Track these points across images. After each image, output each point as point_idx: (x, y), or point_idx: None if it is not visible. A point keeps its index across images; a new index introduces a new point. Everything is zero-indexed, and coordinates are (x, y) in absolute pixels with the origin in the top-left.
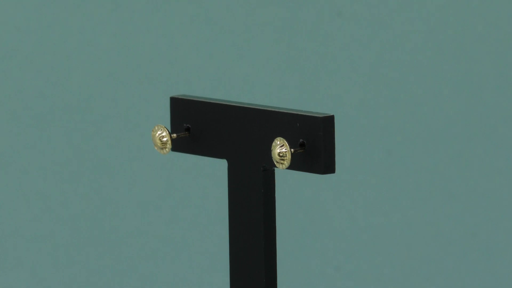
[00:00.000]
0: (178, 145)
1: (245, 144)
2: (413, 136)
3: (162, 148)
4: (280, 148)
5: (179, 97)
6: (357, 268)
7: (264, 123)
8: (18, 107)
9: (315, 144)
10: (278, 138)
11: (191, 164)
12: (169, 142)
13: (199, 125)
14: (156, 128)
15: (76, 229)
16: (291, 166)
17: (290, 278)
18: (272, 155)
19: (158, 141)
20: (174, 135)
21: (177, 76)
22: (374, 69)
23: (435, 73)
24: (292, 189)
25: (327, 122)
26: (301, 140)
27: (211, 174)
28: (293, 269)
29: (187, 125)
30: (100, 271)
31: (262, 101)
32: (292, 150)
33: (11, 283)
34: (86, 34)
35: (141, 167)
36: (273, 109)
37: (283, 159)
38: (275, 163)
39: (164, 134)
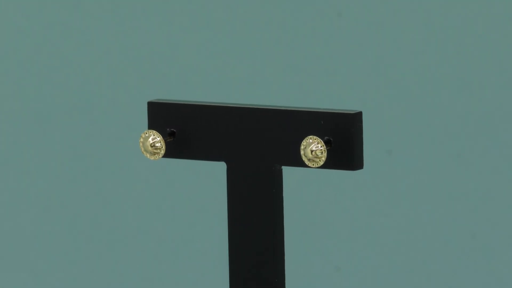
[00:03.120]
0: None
1: (252, 145)
2: (413, 136)
3: (154, 154)
4: (316, 146)
5: (157, 101)
6: (357, 268)
7: (285, 122)
8: (4, 109)
9: (344, 140)
10: (311, 137)
11: (178, 168)
12: (163, 147)
13: (188, 129)
14: (148, 133)
15: (77, 231)
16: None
17: (290, 278)
18: (305, 153)
19: (150, 147)
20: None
21: (167, 78)
22: (374, 69)
23: (435, 72)
24: (291, 189)
25: (357, 118)
26: (326, 137)
27: (203, 177)
28: (293, 269)
29: (171, 129)
30: (100, 273)
31: (262, 101)
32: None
33: (11, 283)
34: (75, 37)
35: (130, 172)
36: (294, 109)
37: (318, 157)
38: (307, 161)
39: (158, 139)
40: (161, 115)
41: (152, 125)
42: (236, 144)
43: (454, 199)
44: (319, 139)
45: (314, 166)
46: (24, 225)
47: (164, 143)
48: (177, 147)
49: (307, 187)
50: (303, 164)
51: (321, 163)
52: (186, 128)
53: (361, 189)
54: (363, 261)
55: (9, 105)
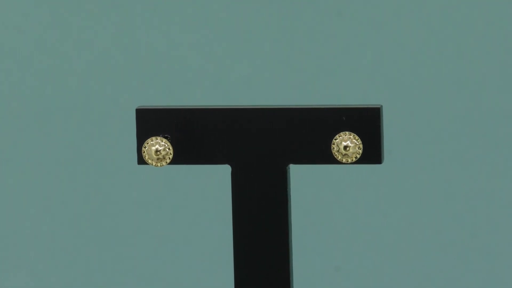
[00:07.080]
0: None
1: (262, 146)
2: (413, 136)
3: (161, 160)
4: (352, 141)
5: (147, 107)
6: (357, 268)
7: (303, 121)
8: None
9: (371, 135)
10: (345, 132)
11: (174, 173)
12: (171, 152)
13: (186, 134)
14: (155, 140)
15: (77, 233)
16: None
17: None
18: (339, 150)
19: (155, 154)
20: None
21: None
22: (374, 69)
23: (435, 73)
24: (291, 188)
25: (381, 113)
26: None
27: (202, 180)
28: (293, 268)
29: (165, 135)
30: (102, 277)
31: (261, 101)
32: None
33: (11, 283)
34: (70, 38)
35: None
36: (315, 107)
37: (353, 153)
38: (340, 157)
39: (166, 145)
40: (151, 122)
41: (140, 132)
42: (242, 146)
43: (454, 199)
44: (353, 134)
45: (347, 162)
46: (24, 226)
47: (172, 149)
48: (177, 152)
49: (306, 186)
50: (332, 161)
51: (355, 158)
52: (182, 133)
53: (360, 189)
54: (363, 261)
55: (4, 107)
